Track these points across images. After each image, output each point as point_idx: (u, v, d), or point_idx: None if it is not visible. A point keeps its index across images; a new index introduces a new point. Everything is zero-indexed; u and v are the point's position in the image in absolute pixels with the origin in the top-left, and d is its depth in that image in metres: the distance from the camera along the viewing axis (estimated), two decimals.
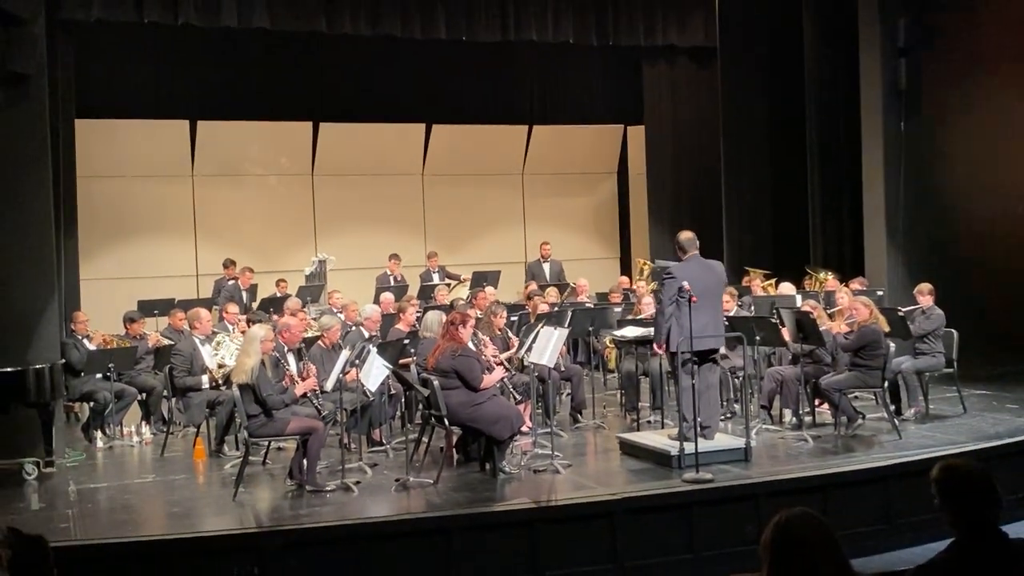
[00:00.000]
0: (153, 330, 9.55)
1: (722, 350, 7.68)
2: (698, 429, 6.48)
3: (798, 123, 12.15)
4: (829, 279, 10.42)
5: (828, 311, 8.26)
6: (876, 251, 10.55)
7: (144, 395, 8.47)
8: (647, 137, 14.69)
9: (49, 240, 7.58)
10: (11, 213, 7.16)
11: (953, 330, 8.11)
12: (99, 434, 8.04)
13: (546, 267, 12.76)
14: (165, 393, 8.22)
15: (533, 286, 11.25)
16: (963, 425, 7.58)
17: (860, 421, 7.32)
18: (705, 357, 6.72)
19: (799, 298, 9.24)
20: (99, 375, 8.16)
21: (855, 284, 9.47)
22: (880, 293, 9.49)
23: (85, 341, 8.59)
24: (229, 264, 12.20)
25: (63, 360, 7.73)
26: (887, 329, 7.40)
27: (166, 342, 8.72)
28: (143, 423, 8.39)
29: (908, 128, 10.34)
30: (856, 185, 11.10)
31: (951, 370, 8.09)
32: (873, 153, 10.56)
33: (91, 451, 7.83)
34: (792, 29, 12.17)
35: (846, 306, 7.95)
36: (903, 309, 8.22)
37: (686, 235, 6.92)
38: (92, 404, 8.17)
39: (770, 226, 12.95)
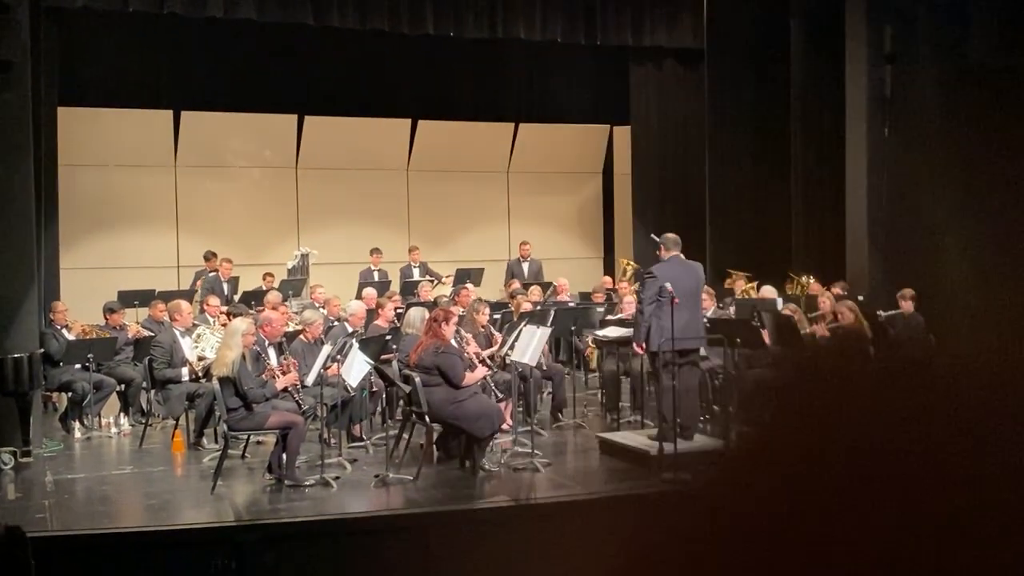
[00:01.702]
0: (133, 321, 9.48)
1: (702, 351, 7.74)
2: (677, 430, 6.52)
3: (783, 127, 12.23)
4: (811, 283, 10.50)
5: (809, 315, 8.33)
6: (857, 256, 10.63)
7: (123, 386, 8.41)
8: (633, 138, 14.73)
9: (30, 228, 7.51)
10: None
11: (931, 336, 8.19)
12: (77, 425, 7.98)
13: (525, 266, 12.80)
14: (144, 385, 8.17)
15: (516, 284, 11.27)
16: None
17: None
18: (685, 357, 6.77)
19: (780, 301, 9.30)
20: (78, 365, 8.10)
21: (836, 289, 9.54)
22: (861, 298, 9.56)
23: (64, 331, 8.52)
24: (210, 256, 12.13)
25: (42, 350, 7.67)
26: (870, 335, 7.47)
27: (146, 333, 8.66)
28: (122, 414, 8.33)
29: (892, 135, 10.42)
30: (839, 190, 11.19)
31: None
32: (857, 159, 10.64)
33: (69, 441, 7.77)
34: (779, 34, 12.25)
35: (828, 310, 8.02)
36: (883, 314, 8.30)
37: (672, 236, 7.00)
38: (70, 394, 8.11)
39: (753, 229, 13.02)
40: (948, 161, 10.46)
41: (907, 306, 8.23)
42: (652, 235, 7.89)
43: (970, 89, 10.45)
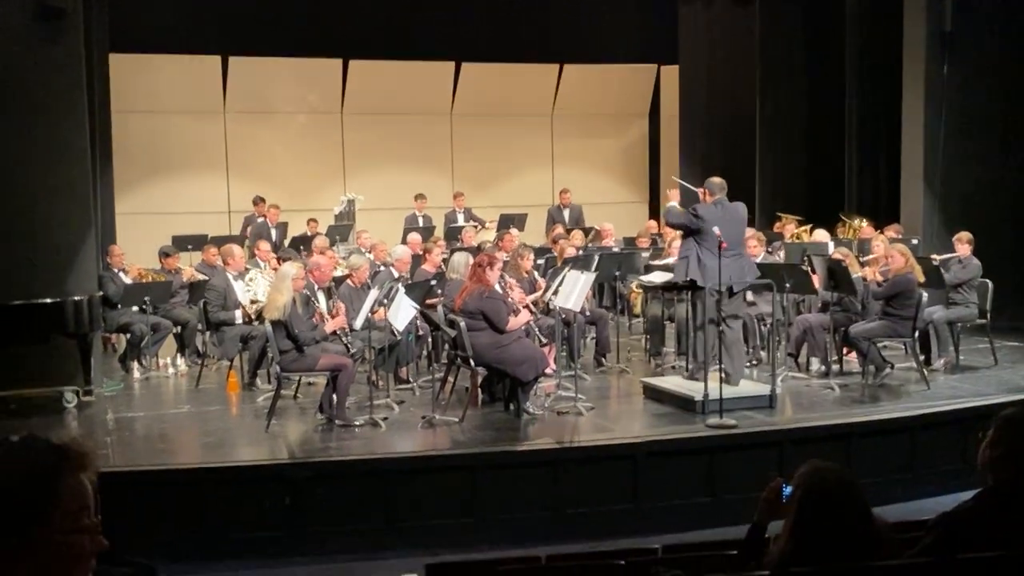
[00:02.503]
0: (187, 265, 9.69)
1: (749, 296, 7.69)
2: (722, 375, 6.54)
3: (837, 65, 11.87)
4: (863, 226, 10.28)
5: (861, 259, 8.18)
6: (912, 198, 10.37)
7: (179, 328, 8.64)
8: (681, 78, 14.43)
9: (86, 174, 7.67)
10: (48, 147, 7.24)
11: (987, 280, 8.00)
12: (136, 365, 8.24)
13: (566, 213, 12.73)
14: (199, 327, 8.38)
15: (559, 229, 11.23)
16: (993, 377, 7.53)
17: (888, 370, 7.30)
18: (732, 298, 6.76)
19: (831, 245, 9.15)
20: (135, 308, 8.33)
21: (890, 232, 9.34)
22: (915, 241, 9.37)
23: (121, 274, 8.75)
24: (259, 201, 12.28)
25: (100, 292, 7.88)
26: (922, 279, 7.31)
27: (200, 277, 8.85)
28: (178, 355, 8.58)
29: (951, 73, 10.05)
30: (895, 131, 10.87)
31: (984, 321, 8.00)
32: (913, 98, 10.30)
33: (128, 381, 8.03)
34: None
35: (881, 254, 7.86)
36: (938, 258, 8.12)
37: (717, 180, 6.93)
38: (129, 336, 8.36)
39: (805, 172, 12.76)
40: (1008, 99, 10.09)
41: (964, 249, 8.02)
42: (675, 178, 7.92)
43: None
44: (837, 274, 7.30)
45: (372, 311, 6.74)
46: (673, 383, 7.04)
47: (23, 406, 6.90)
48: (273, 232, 11.59)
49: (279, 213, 11.95)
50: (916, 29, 10.23)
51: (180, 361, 8.49)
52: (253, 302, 7.95)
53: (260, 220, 11.91)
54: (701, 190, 6.99)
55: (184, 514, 5.40)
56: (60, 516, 1.29)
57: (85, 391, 7.13)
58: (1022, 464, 2.55)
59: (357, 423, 6.34)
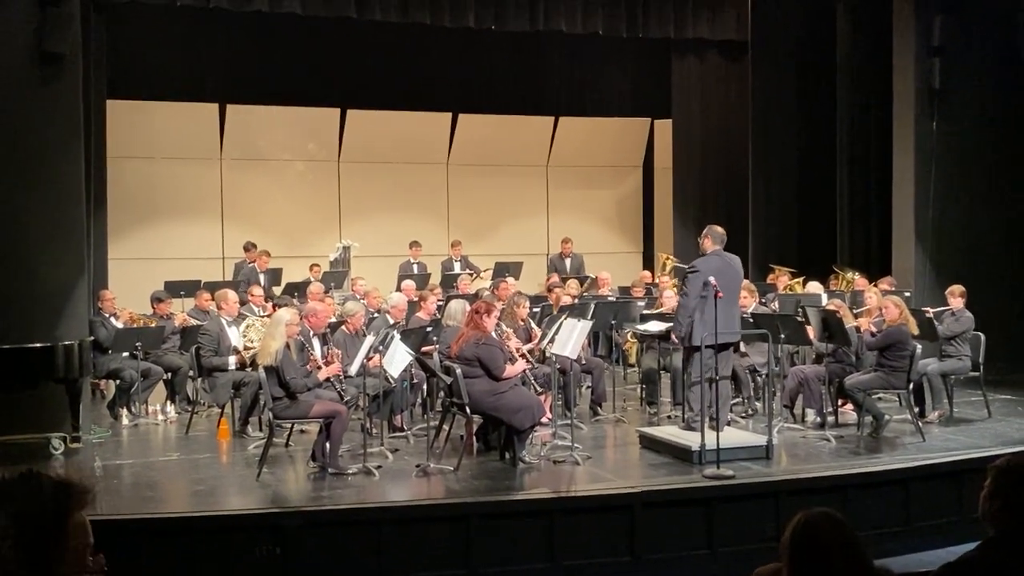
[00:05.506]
0: (179, 311, 9.63)
1: (742, 347, 7.67)
2: (712, 423, 6.50)
3: (828, 120, 12.05)
4: (857, 279, 10.34)
5: (854, 311, 8.20)
6: (904, 251, 10.45)
7: (170, 374, 8.55)
8: (674, 131, 14.61)
9: (80, 219, 7.66)
10: (44, 191, 7.24)
11: (980, 333, 8.03)
12: (125, 412, 8.13)
13: (567, 262, 12.77)
14: (191, 373, 8.30)
15: (555, 278, 11.25)
16: (987, 429, 7.52)
17: (888, 418, 7.28)
18: (721, 351, 6.74)
19: (825, 297, 9.18)
20: (126, 353, 8.25)
21: (884, 284, 9.38)
22: (908, 294, 9.41)
23: (112, 319, 8.69)
24: (250, 247, 12.24)
25: (91, 337, 7.81)
26: (916, 332, 7.33)
27: (193, 322, 8.80)
28: (168, 402, 8.48)
29: (940, 128, 10.21)
30: (886, 184, 10.99)
31: (977, 374, 8.01)
32: (904, 152, 10.45)
33: (117, 428, 7.93)
34: (825, 25, 12.06)
35: (874, 305, 7.89)
36: (931, 310, 8.16)
37: (719, 230, 6.98)
38: (118, 382, 8.26)
39: (797, 224, 12.86)
40: (997, 154, 10.24)
41: (956, 302, 8.06)
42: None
43: (1019, 80, 10.21)
44: (831, 325, 7.31)
45: (367, 358, 6.69)
46: (669, 433, 6.99)
47: (9, 452, 6.77)
48: (262, 278, 11.51)
49: (269, 259, 11.89)
50: (906, 85, 10.42)
51: (170, 408, 8.39)
52: (247, 348, 7.89)
53: (250, 266, 11.87)
54: (706, 237, 7.02)
55: (173, 564, 5.28)
56: (69, 555, 1.26)
57: (73, 438, 7.02)
58: (1021, 513, 2.53)
59: (350, 471, 6.25)
